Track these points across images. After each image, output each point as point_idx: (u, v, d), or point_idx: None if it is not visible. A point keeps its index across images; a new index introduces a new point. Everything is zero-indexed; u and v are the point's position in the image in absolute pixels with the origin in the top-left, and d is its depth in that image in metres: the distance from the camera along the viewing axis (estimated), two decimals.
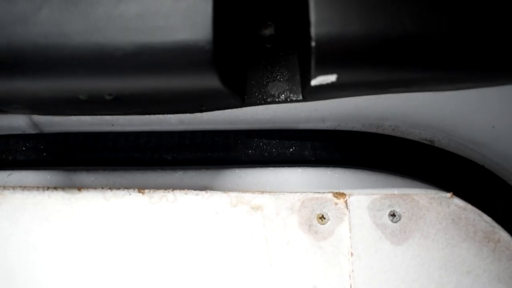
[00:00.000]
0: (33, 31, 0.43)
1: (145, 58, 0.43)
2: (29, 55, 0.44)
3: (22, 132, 0.67)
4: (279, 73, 0.54)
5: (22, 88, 0.48)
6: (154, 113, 0.58)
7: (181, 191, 0.59)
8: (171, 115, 0.61)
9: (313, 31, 0.41)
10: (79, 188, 0.60)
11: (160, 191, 0.59)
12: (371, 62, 0.43)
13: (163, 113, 0.59)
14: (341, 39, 0.41)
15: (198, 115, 0.60)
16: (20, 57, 0.44)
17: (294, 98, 0.53)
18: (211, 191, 0.59)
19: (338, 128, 0.63)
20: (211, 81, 0.44)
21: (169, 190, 0.59)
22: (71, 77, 0.45)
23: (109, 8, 0.43)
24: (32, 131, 0.67)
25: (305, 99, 0.52)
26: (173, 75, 0.44)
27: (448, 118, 0.61)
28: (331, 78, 0.44)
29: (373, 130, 0.63)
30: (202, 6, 0.42)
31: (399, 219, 0.57)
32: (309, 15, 0.41)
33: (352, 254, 0.57)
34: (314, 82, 0.44)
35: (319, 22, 0.41)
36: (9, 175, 0.66)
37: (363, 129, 0.63)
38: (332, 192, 0.58)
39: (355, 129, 0.63)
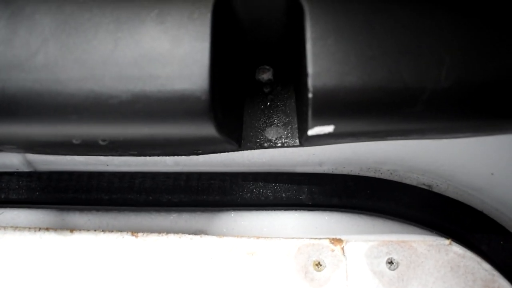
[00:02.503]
0: (28, 77, 0.43)
1: (140, 106, 0.42)
2: (23, 100, 0.43)
3: (16, 170, 0.66)
4: (276, 118, 0.54)
5: (16, 131, 0.47)
6: (149, 156, 0.57)
7: (175, 235, 0.57)
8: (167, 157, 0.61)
9: (310, 82, 0.41)
10: (71, 229, 0.59)
11: (154, 234, 0.58)
12: (368, 114, 0.43)
13: (158, 156, 0.58)
14: (338, 91, 0.41)
15: (194, 157, 0.60)
16: (14, 102, 0.44)
17: (291, 144, 0.53)
18: (206, 236, 0.58)
19: (335, 172, 0.62)
20: (207, 130, 0.44)
21: (163, 234, 0.58)
22: (65, 123, 0.44)
23: (105, 55, 0.42)
24: (26, 169, 0.66)
25: (302, 145, 0.52)
26: (169, 123, 0.44)
27: (446, 163, 0.60)
28: (328, 128, 0.43)
29: (371, 174, 0.62)
30: (199, 55, 0.41)
31: (397, 267, 0.56)
32: (306, 66, 0.41)
33: None
34: (311, 132, 0.44)
35: (317, 74, 0.41)
36: (0, 213, 0.65)
37: (361, 173, 0.62)
38: (329, 239, 0.57)
39: (353, 173, 0.62)
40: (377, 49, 0.41)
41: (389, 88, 0.41)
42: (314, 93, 0.40)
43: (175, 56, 0.41)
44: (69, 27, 0.43)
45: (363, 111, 0.42)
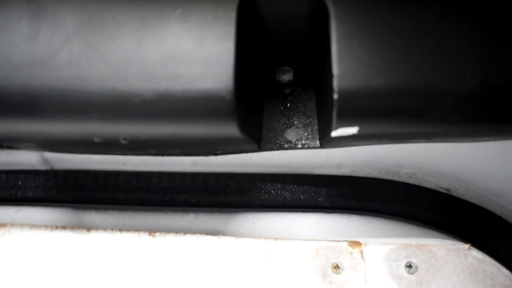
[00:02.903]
0: (51, 74, 0.43)
1: (164, 105, 0.42)
2: (46, 98, 0.43)
3: (33, 168, 0.66)
4: (296, 119, 0.54)
5: (37, 129, 0.47)
6: (168, 155, 0.57)
7: (193, 235, 0.57)
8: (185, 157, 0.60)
9: (335, 83, 0.40)
10: (88, 228, 0.59)
11: (171, 234, 0.58)
12: (392, 116, 0.42)
13: (176, 156, 0.58)
14: (364, 92, 0.41)
15: (212, 157, 0.59)
16: (36, 99, 0.43)
17: (311, 145, 0.52)
18: (223, 237, 0.57)
19: (354, 174, 0.62)
20: (230, 130, 0.44)
21: (180, 234, 0.57)
22: (87, 121, 0.44)
23: (129, 54, 0.42)
24: (43, 167, 0.66)
25: (322, 146, 0.51)
26: (192, 122, 0.43)
27: (465, 167, 0.60)
28: (352, 130, 0.43)
29: (389, 177, 0.62)
30: (224, 55, 0.41)
31: (416, 271, 0.56)
32: (331, 67, 0.40)
33: None
34: (335, 133, 0.43)
35: (342, 75, 0.40)
36: (17, 211, 0.65)
37: (379, 176, 0.62)
38: (347, 241, 0.57)
39: (371, 175, 0.62)
40: (402, 51, 0.41)
41: (414, 90, 0.41)
42: (339, 94, 0.40)
43: (200, 55, 0.41)
44: (93, 25, 0.43)
45: (388, 113, 0.42)
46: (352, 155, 0.59)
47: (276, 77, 0.53)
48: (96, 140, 0.48)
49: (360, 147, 0.58)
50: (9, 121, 0.46)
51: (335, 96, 0.40)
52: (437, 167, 0.61)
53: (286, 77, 0.53)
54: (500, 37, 0.42)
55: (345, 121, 0.42)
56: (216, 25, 0.42)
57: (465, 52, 0.41)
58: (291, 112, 0.54)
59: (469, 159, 0.60)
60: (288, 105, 0.54)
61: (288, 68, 0.53)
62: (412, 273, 0.56)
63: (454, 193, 0.62)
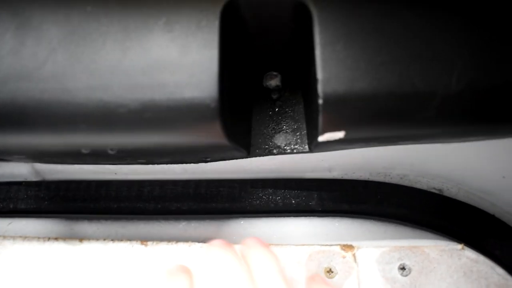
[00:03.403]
0: (37, 87, 0.43)
1: (149, 115, 0.42)
2: (32, 111, 0.43)
3: (24, 180, 0.66)
4: (285, 124, 0.54)
5: (25, 141, 0.47)
6: (158, 164, 0.57)
7: (185, 243, 0.57)
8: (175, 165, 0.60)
9: (320, 88, 0.40)
10: (81, 239, 0.59)
11: (163, 243, 0.57)
12: (379, 119, 0.42)
13: (166, 164, 0.58)
14: (349, 96, 0.40)
15: (202, 164, 0.59)
16: (23, 112, 0.43)
17: (300, 150, 0.52)
18: None
19: (345, 177, 0.62)
20: (217, 138, 0.44)
21: (173, 242, 0.57)
22: (74, 133, 0.44)
23: (114, 64, 0.42)
24: (34, 179, 0.66)
25: (311, 151, 0.51)
26: (178, 131, 0.43)
27: (457, 167, 0.60)
28: (338, 134, 0.43)
29: (381, 179, 0.62)
30: (208, 63, 0.41)
31: (409, 273, 0.56)
32: (316, 72, 0.40)
33: None
34: (321, 138, 0.43)
35: (327, 79, 0.40)
36: (9, 223, 0.64)
37: (371, 178, 0.62)
38: (340, 245, 0.57)
39: (362, 178, 0.62)
40: (387, 55, 0.41)
41: (400, 93, 0.41)
42: (324, 99, 0.40)
43: (184, 64, 0.41)
44: (77, 37, 0.43)
45: (374, 117, 0.42)
46: (343, 158, 0.59)
47: (264, 82, 0.53)
48: (84, 151, 0.48)
49: (350, 151, 0.58)
50: None
51: (320, 101, 0.40)
52: (429, 167, 0.61)
53: (274, 82, 0.53)
54: (485, 37, 0.42)
55: (331, 126, 0.42)
56: (199, 33, 0.42)
57: (451, 54, 0.41)
58: (280, 117, 0.54)
59: (461, 159, 0.59)
60: (276, 110, 0.54)
61: (275, 73, 0.53)
62: (406, 275, 0.56)
63: (446, 193, 0.62)
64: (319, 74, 0.40)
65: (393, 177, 0.62)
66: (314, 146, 0.49)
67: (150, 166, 0.61)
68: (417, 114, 0.42)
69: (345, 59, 0.41)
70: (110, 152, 0.48)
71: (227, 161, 0.58)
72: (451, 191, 0.62)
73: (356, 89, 0.41)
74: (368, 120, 0.42)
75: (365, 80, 0.41)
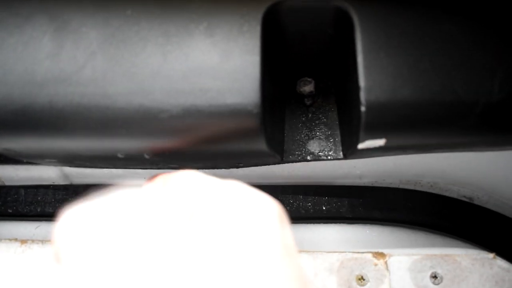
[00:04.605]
0: (76, 91, 0.43)
1: (191, 120, 0.42)
2: (70, 115, 0.43)
3: (52, 183, 0.66)
4: (318, 130, 0.53)
5: (60, 145, 0.47)
6: (190, 169, 0.57)
7: None
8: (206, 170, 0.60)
9: (363, 96, 0.40)
10: None
11: None
12: (420, 128, 0.42)
13: (198, 169, 0.57)
14: (391, 104, 0.40)
15: (233, 170, 0.59)
16: (61, 116, 0.43)
17: (334, 156, 0.52)
18: None
19: (375, 184, 0.62)
20: (257, 144, 0.43)
21: None
22: (112, 137, 0.44)
23: (155, 69, 0.42)
24: (62, 182, 0.66)
25: (346, 157, 0.51)
26: (218, 137, 0.43)
27: (488, 175, 0.59)
28: (379, 142, 0.43)
29: (411, 187, 0.62)
30: (250, 69, 0.41)
31: (441, 281, 0.55)
32: (358, 79, 0.40)
33: None
34: (361, 146, 0.43)
35: (370, 87, 0.40)
36: (37, 227, 0.64)
37: (401, 186, 0.62)
38: (371, 252, 0.56)
39: (393, 185, 0.62)
40: (429, 62, 0.41)
41: (441, 102, 0.41)
42: (367, 107, 0.40)
43: (226, 69, 0.41)
44: (117, 40, 0.43)
45: (415, 125, 0.42)
46: (374, 166, 0.59)
47: (297, 88, 0.53)
48: (119, 155, 0.48)
49: (382, 158, 0.57)
50: (33, 138, 0.45)
51: (363, 108, 0.40)
52: (459, 176, 0.60)
53: (307, 88, 0.52)
54: None
55: (372, 134, 0.42)
56: (241, 38, 0.42)
57: (492, 62, 0.41)
58: (313, 124, 0.54)
59: (492, 167, 0.59)
60: (310, 116, 0.54)
61: (309, 79, 0.53)
62: (438, 284, 0.55)
63: (476, 202, 0.62)
64: (362, 82, 0.40)
65: (424, 185, 0.62)
66: (351, 153, 0.48)
67: None
68: (458, 122, 0.42)
69: (388, 67, 0.41)
70: (146, 156, 0.48)
71: (258, 167, 0.58)
72: (482, 199, 0.62)
73: (398, 96, 0.41)
74: (409, 128, 0.42)
75: (407, 88, 0.40)
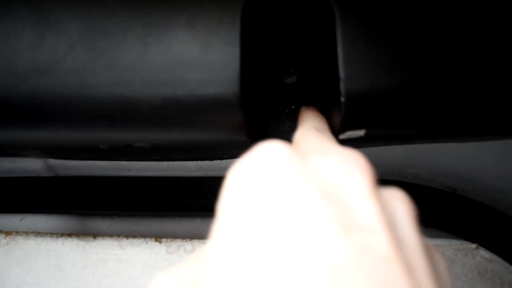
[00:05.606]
0: (57, 82, 0.43)
1: (171, 111, 0.42)
2: (51, 106, 0.43)
3: (37, 175, 0.66)
4: None
5: (42, 136, 0.47)
6: (173, 160, 0.57)
7: (199, 240, 0.57)
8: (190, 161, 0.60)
9: (342, 86, 0.40)
10: (94, 235, 0.59)
11: (177, 240, 0.57)
12: (401, 118, 0.42)
13: (182, 160, 0.58)
14: (371, 94, 0.40)
15: (217, 161, 0.59)
16: (42, 108, 0.43)
17: None
18: None
19: None
20: (237, 135, 0.43)
21: (187, 239, 0.57)
22: (93, 128, 0.44)
23: (135, 60, 0.42)
24: (47, 174, 0.66)
25: None
26: (199, 127, 0.43)
27: (471, 165, 0.60)
28: (359, 133, 0.43)
29: (395, 178, 0.62)
30: (230, 60, 0.41)
31: None
32: (338, 70, 0.40)
33: None
34: (343, 136, 0.43)
35: (349, 78, 0.40)
36: (22, 219, 0.64)
37: (385, 177, 0.62)
38: None
39: (376, 176, 0.62)
40: (409, 53, 0.41)
41: (421, 91, 0.41)
42: (346, 97, 0.40)
43: (206, 60, 0.41)
44: (98, 32, 0.43)
45: (395, 115, 0.42)
46: None
47: (281, 79, 0.53)
48: (102, 146, 0.48)
49: (364, 149, 0.58)
50: (15, 129, 0.46)
51: (342, 99, 0.40)
52: (443, 166, 0.61)
53: (290, 79, 0.53)
54: (499, 37, 0.42)
55: (353, 124, 0.42)
56: (221, 30, 0.42)
57: (472, 51, 0.41)
58: (296, 115, 0.54)
59: (475, 158, 0.59)
60: (293, 107, 0.54)
61: (292, 71, 0.53)
62: None
63: (460, 192, 0.62)
64: (342, 72, 0.40)
65: (407, 176, 0.62)
66: None
67: (164, 162, 0.61)
68: (439, 112, 0.42)
69: (368, 57, 0.41)
70: (128, 148, 0.48)
71: None
72: (465, 190, 0.62)
73: (378, 87, 0.41)
74: (390, 119, 0.42)
75: (387, 78, 0.41)
